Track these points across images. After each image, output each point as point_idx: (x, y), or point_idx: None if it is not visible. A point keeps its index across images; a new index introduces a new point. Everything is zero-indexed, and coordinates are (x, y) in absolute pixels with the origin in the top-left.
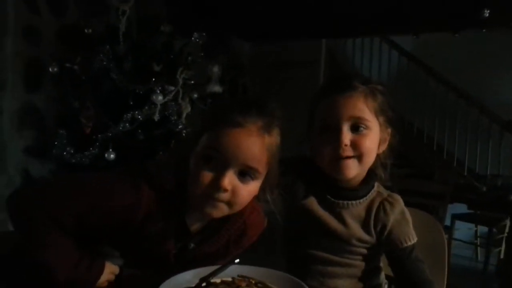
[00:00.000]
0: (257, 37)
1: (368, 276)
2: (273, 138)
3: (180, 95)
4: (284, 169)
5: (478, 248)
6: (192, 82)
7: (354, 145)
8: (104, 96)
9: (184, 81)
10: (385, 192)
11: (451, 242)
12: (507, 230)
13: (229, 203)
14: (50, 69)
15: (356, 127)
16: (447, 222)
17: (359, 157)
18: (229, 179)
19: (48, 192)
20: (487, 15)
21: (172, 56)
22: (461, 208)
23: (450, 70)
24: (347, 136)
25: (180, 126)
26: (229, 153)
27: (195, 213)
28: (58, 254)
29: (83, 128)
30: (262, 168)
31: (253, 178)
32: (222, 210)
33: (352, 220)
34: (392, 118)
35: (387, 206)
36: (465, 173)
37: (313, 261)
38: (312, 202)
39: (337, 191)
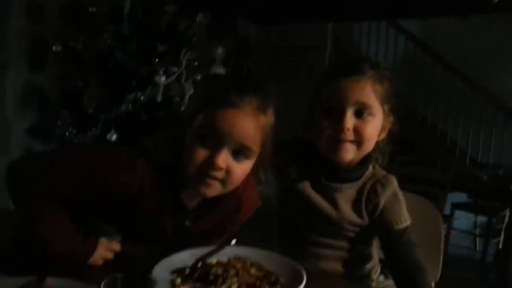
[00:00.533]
0: (263, 20)
1: (359, 262)
2: (268, 118)
3: (184, 77)
4: (279, 151)
5: (477, 238)
6: (196, 63)
7: (356, 130)
8: (107, 76)
9: (187, 63)
10: (380, 174)
11: (449, 232)
12: (506, 220)
13: (223, 182)
14: (54, 48)
15: (360, 113)
16: (447, 211)
17: (359, 142)
18: (224, 157)
19: (46, 163)
20: (497, 0)
21: (176, 37)
22: (461, 197)
23: (457, 56)
24: (350, 121)
25: (182, 108)
26: (224, 132)
27: (190, 190)
28: (54, 226)
29: (86, 108)
30: (256, 148)
31: (247, 157)
32: (216, 189)
33: (344, 203)
34: (396, 106)
35: (379, 187)
36: (467, 162)
37: (306, 243)
38: (305, 185)
39: (332, 174)
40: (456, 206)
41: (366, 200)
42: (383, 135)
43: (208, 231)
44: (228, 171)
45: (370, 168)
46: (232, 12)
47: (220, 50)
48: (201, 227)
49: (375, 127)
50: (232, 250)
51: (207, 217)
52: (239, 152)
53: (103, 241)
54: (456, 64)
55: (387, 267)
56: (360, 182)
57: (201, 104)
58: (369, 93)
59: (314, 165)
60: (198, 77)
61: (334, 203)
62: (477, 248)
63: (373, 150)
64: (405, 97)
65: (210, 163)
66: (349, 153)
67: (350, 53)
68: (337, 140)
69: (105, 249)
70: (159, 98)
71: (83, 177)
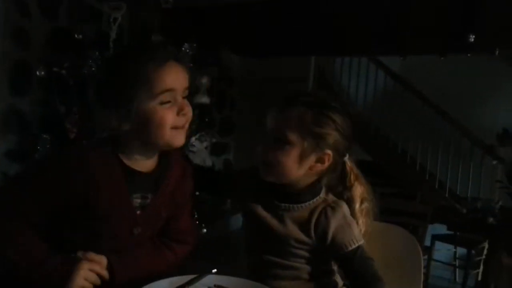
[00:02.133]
0: (247, 51)
1: (318, 279)
2: (189, 74)
3: None
4: (239, 179)
5: (457, 269)
6: None
7: (268, 154)
8: (90, 101)
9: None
10: (331, 199)
11: (430, 263)
12: (485, 252)
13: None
14: (38, 73)
15: (278, 141)
16: (427, 242)
17: (271, 166)
18: (185, 104)
19: (5, 188)
20: (472, 40)
21: None
22: (441, 229)
23: (436, 92)
24: (265, 144)
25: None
26: (175, 84)
27: (137, 156)
28: (23, 248)
29: (67, 133)
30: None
31: (186, 96)
32: (184, 134)
33: (292, 222)
34: (336, 144)
35: (329, 211)
36: (446, 195)
37: (269, 266)
38: (259, 207)
39: (282, 196)
40: (436, 237)
41: (316, 222)
42: (320, 167)
43: (166, 205)
44: (187, 116)
45: (322, 194)
46: (216, 43)
47: (204, 80)
48: (160, 201)
49: (288, 155)
50: (212, 279)
51: (162, 188)
52: (184, 95)
53: (83, 262)
54: (435, 100)
55: (348, 281)
56: (311, 205)
57: (137, 72)
58: (286, 125)
59: (266, 189)
60: None
61: (282, 221)
62: (457, 280)
63: (318, 180)
64: (386, 131)
65: (181, 116)
66: (266, 174)
67: (332, 85)
68: (258, 161)
69: (88, 270)
70: None
71: (41, 191)
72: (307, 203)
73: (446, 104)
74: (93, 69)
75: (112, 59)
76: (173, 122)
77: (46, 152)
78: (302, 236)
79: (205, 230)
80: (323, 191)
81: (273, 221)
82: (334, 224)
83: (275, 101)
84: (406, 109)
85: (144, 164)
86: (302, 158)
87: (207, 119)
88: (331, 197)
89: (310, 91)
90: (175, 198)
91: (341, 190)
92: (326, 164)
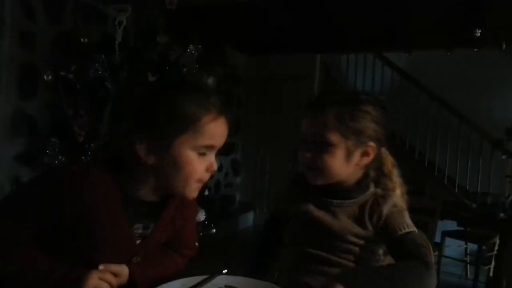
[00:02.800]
0: (253, 50)
1: None
2: None
3: None
4: (287, 183)
5: (468, 265)
6: None
7: (315, 159)
8: (98, 105)
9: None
10: (380, 192)
11: (440, 259)
12: (496, 248)
13: None
14: (45, 77)
15: (317, 144)
16: (437, 238)
17: (319, 169)
18: (215, 162)
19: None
20: (479, 34)
21: (167, 67)
22: (451, 225)
23: (443, 87)
24: (308, 150)
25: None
26: (220, 142)
27: (143, 188)
28: (26, 265)
29: (75, 137)
30: None
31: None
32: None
33: (346, 217)
34: (376, 135)
35: (380, 200)
36: (456, 190)
37: (313, 261)
38: (309, 205)
39: (333, 194)
40: (446, 234)
41: (370, 212)
42: (366, 160)
43: (167, 232)
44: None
45: (372, 188)
46: (222, 43)
47: (210, 80)
48: (161, 230)
49: (335, 157)
50: (222, 279)
51: (163, 216)
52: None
53: (93, 271)
54: (442, 95)
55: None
56: (362, 199)
57: (193, 120)
58: (326, 127)
59: (315, 189)
60: None
61: (336, 217)
62: (468, 276)
63: (366, 173)
64: (393, 127)
65: (209, 171)
66: (315, 178)
67: (338, 82)
68: (304, 167)
69: (98, 279)
70: None
71: (31, 215)
72: (358, 198)
73: (454, 99)
74: (100, 72)
75: (166, 89)
76: (201, 176)
77: (55, 155)
78: (358, 229)
79: (214, 230)
80: (372, 185)
81: (327, 218)
82: (386, 211)
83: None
84: (413, 105)
85: (148, 194)
86: (348, 156)
87: None
88: (379, 190)
89: (334, 89)
90: (176, 224)
91: (383, 181)
92: (372, 155)
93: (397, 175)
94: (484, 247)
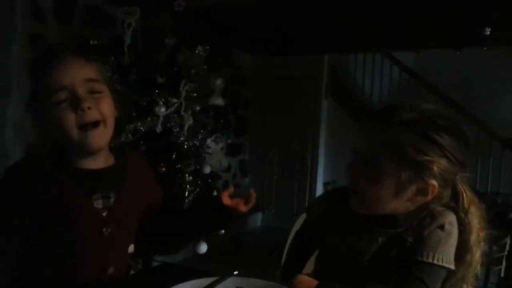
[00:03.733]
0: (260, 51)
1: None
2: (96, 60)
3: (183, 108)
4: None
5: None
6: (195, 94)
7: (357, 180)
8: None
9: (186, 94)
10: (437, 210)
11: None
12: (507, 248)
13: (102, 120)
14: None
15: (366, 163)
16: None
17: (362, 195)
18: (83, 96)
19: None
20: (488, 33)
21: (175, 69)
22: None
23: (451, 86)
24: (354, 168)
25: (182, 138)
26: (67, 78)
27: (81, 160)
28: None
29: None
30: (101, 80)
31: (100, 91)
32: (101, 133)
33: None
34: (443, 173)
35: (427, 219)
36: None
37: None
38: (351, 236)
39: (378, 221)
40: None
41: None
42: (422, 200)
43: (133, 202)
44: (98, 107)
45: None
46: (230, 44)
47: (219, 82)
48: (125, 199)
49: (382, 186)
50: (233, 281)
51: (123, 185)
52: (92, 89)
53: None
54: (451, 95)
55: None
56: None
57: (35, 77)
58: (380, 149)
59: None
60: (197, 108)
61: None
62: (479, 277)
63: (425, 206)
64: None
65: (80, 112)
66: (356, 205)
67: (345, 83)
68: (349, 188)
69: None
70: (158, 129)
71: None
72: (408, 225)
73: (462, 99)
74: (109, 74)
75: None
76: (75, 121)
77: None
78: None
79: (222, 231)
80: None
81: (370, 246)
82: (427, 230)
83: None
84: None
85: (94, 162)
86: (398, 190)
87: (222, 121)
88: (438, 207)
89: (413, 101)
90: (142, 193)
91: (461, 214)
92: (430, 196)
93: (477, 212)
94: (494, 248)
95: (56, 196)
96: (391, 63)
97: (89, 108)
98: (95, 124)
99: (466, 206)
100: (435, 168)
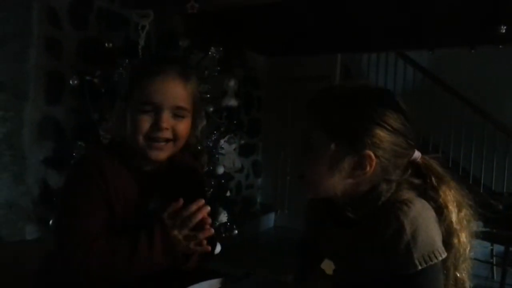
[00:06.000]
0: (273, 51)
1: None
2: (193, 85)
3: None
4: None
5: (494, 267)
6: (208, 95)
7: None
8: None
9: (200, 95)
10: (400, 198)
11: None
12: None
13: (173, 139)
14: (71, 82)
15: (303, 146)
16: None
17: (303, 178)
18: (166, 118)
19: (62, 240)
20: (504, 31)
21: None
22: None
23: (466, 85)
24: (298, 156)
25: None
26: (160, 98)
27: (141, 160)
28: (113, 256)
29: (101, 140)
30: (189, 107)
31: (184, 116)
32: (167, 149)
33: None
34: (378, 142)
35: (398, 212)
36: (481, 190)
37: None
38: (332, 229)
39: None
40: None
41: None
42: (361, 174)
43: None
44: (174, 130)
45: (387, 194)
46: (242, 45)
47: (232, 83)
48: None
49: (314, 163)
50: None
51: (168, 180)
52: (177, 115)
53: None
54: (466, 93)
55: None
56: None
57: (133, 82)
58: (309, 127)
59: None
60: (211, 109)
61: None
62: (495, 278)
63: (376, 185)
64: (416, 127)
65: (156, 127)
66: (305, 190)
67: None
68: None
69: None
70: None
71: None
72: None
73: (478, 98)
74: (123, 76)
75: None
76: (147, 132)
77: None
78: None
79: (236, 232)
80: (390, 190)
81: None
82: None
83: (300, 100)
84: (436, 104)
85: (155, 167)
86: (332, 164)
87: (235, 121)
88: (403, 194)
89: (339, 83)
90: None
91: (431, 193)
92: (369, 169)
93: (451, 191)
94: (511, 249)
95: (121, 190)
96: (404, 62)
97: (166, 128)
98: (166, 140)
99: (435, 184)
100: (367, 138)
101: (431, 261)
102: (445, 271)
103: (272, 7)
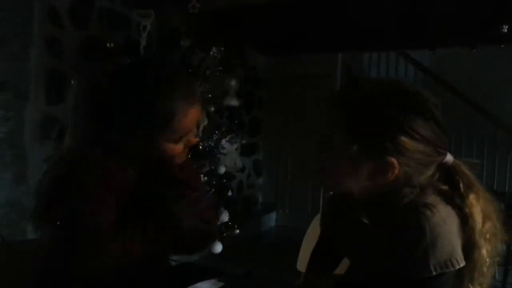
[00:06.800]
0: (273, 51)
1: None
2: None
3: None
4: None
5: (496, 266)
6: (210, 95)
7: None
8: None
9: (201, 95)
10: (421, 202)
11: None
12: None
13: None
14: (72, 81)
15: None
16: None
17: (322, 173)
18: (193, 142)
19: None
20: (506, 30)
21: (190, 70)
22: None
23: (468, 85)
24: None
25: (196, 139)
26: (191, 127)
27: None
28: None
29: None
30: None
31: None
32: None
33: None
34: (402, 149)
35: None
36: None
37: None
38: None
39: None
40: None
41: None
42: (382, 179)
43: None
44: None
45: (409, 196)
46: (243, 44)
47: (233, 82)
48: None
49: (336, 162)
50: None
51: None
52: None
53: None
54: (468, 93)
55: None
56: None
57: (172, 113)
58: (332, 125)
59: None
60: (212, 109)
61: None
62: (497, 277)
63: (399, 189)
64: None
65: (185, 149)
66: (321, 182)
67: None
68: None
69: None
70: None
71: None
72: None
73: (480, 97)
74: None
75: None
76: (179, 154)
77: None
78: None
79: (237, 231)
80: (412, 193)
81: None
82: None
83: (313, 101)
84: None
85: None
86: (352, 165)
87: (236, 121)
88: (427, 198)
89: (375, 78)
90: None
91: (457, 201)
92: (390, 176)
93: (479, 201)
94: None
95: (122, 183)
96: (406, 61)
97: None
98: None
99: (462, 191)
100: (392, 145)
101: (447, 268)
102: (459, 280)
103: (273, 6)
